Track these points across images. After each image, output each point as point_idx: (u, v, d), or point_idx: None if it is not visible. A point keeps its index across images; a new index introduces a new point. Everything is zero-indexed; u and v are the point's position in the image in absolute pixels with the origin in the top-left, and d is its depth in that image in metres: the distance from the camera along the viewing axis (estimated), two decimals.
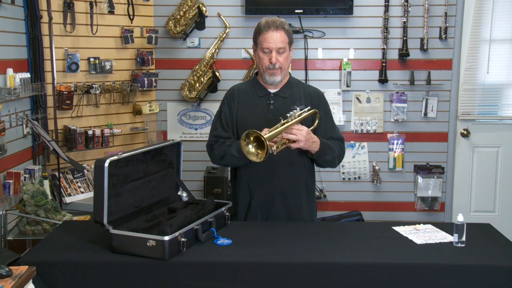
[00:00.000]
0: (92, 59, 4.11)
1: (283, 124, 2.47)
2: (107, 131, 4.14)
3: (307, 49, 4.51)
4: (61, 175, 3.76)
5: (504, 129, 4.61)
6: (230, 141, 2.69)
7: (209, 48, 4.50)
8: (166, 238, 2.07)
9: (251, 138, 2.36)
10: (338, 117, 4.51)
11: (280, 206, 2.69)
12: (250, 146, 2.37)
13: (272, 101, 2.71)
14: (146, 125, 4.48)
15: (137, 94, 4.43)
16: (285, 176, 2.66)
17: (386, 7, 4.46)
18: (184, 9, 4.39)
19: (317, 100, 2.74)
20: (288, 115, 2.50)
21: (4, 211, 3.06)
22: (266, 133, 2.38)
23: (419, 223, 2.52)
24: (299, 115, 2.54)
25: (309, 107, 2.65)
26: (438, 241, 2.30)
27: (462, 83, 4.53)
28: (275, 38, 2.62)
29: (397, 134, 4.60)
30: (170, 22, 4.40)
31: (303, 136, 2.49)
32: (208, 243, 2.26)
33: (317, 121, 2.66)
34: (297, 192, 2.72)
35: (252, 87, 2.78)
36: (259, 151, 2.36)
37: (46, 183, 3.43)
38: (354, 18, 4.49)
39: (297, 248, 2.24)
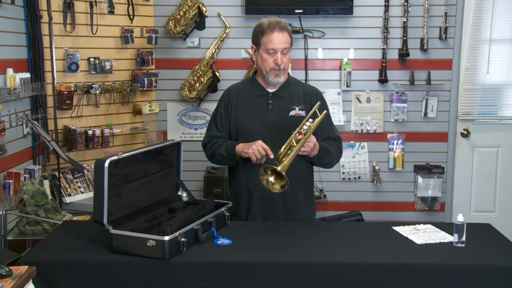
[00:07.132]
0: (92, 59, 4.11)
1: (298, 140, 2.43)
2: (107, 131, 4.14)
3: (307, 49, 4.51)
4: (61, 175, 3.76)
5: (504, 129, 4.61)
6: (221, 141, 2.73)
7: (209, 48, 4.50)
8: (166, 238, 2.07)
9: (269, 172, 2.34)
10: (338, 117, 4.50)
11: (279, 206, 2.70)
12: (271, 179, 2.35)
13: (270, 101, 2.71)
14: (146, 125, 4.48)
15: (137, 94, 4.43)
16: None
17: (386, 7, 4.46)
18: (184, 9, 4.39)
19: (315, 100, 2.74)
20: (304, 128, 2.46)
21: (4, 211, 3.06)
22: (282, 160, 2.36)
23: (419, 223, 2.52)
24: (309, 127, 2.48)
25: (318, 104, 2.59)
26: (438, 241, 2.29)
27: (462, 83, 4.52)
28: (280, 39, 2.60)
29: (397, 134, 4.60)
30: (170, 22, 4.40)
31: (310, 148, 2.51)
32: (208, 243, 2.26)
33: (319, 116, 2.57)
34: (296, 192, 2.72)
35: (251, 87, 2.78)
36: (278, 180, 2.34)
37: (46, 183, 3.43)
38: (354, 18, 4.49)
39: (297, 248, 2.24)
